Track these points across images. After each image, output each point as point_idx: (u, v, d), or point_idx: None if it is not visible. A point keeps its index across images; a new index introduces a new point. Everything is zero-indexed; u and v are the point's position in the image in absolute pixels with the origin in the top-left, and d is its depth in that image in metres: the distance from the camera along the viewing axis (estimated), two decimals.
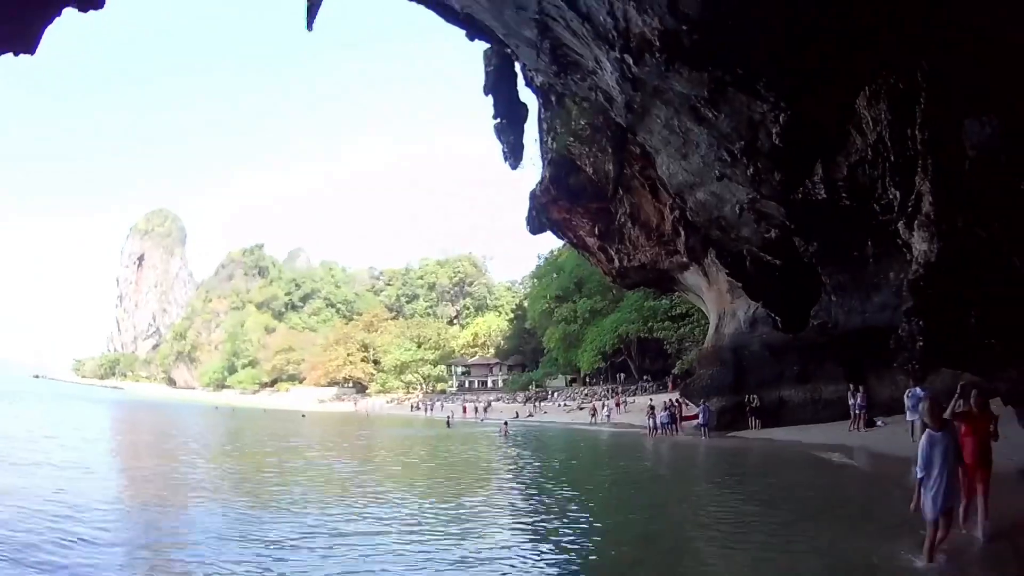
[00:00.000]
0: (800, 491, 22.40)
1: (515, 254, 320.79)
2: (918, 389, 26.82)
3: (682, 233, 44.37)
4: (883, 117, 17.30)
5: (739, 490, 23.46)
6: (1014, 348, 15.65)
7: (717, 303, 48.96)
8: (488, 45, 36.88)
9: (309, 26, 25.96)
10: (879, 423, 33.84)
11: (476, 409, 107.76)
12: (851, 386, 36.72)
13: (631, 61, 17.60)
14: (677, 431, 50.97)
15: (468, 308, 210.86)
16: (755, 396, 45.05)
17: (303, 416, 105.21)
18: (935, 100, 15.32)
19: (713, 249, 33.13)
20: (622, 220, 48.35)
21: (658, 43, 16.32)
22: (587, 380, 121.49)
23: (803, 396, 43.91)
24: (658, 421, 52.56)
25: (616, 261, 51.73)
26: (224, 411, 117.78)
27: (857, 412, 34.86)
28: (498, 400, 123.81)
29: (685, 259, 47.01)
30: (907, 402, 28.34)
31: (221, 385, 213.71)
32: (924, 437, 12.81)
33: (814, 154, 20.38)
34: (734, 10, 14.51)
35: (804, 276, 31.50)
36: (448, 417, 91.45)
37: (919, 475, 12.59)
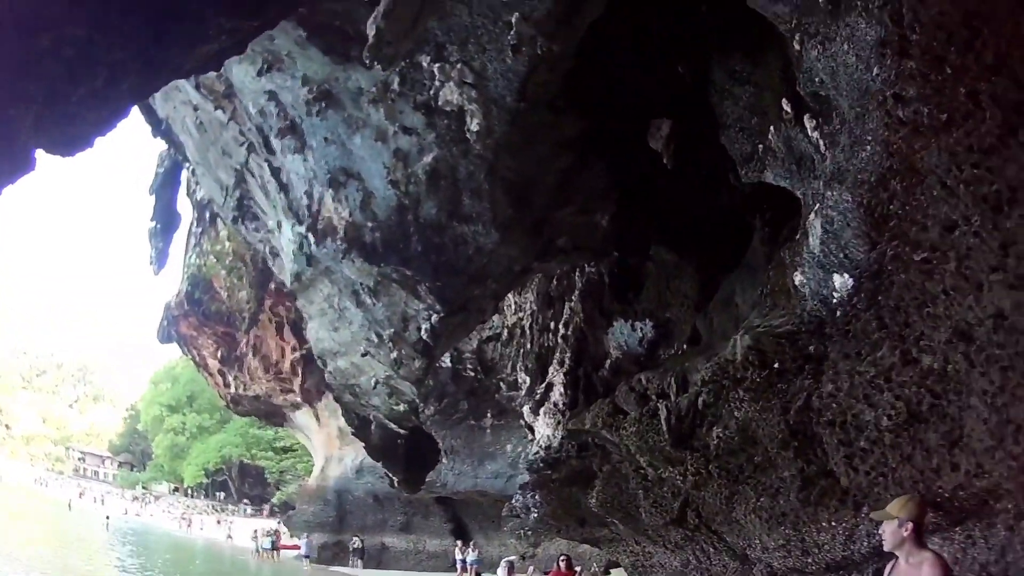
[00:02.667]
0: None
1: (138, 352, 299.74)
2: (513, 557, 28.76)
3: (300, 374, 45.02)
4: (529, 306, 17.91)
5: None
6: (632, 527, 15.94)
7: (326, 446, 48.85)
8: (167, 147, 34.77)
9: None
10: None
11: (94, 499, 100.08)
12: (460, 542, 36.85)
13: (313, 240, 17.50)
14: (277, 557, 49.74)
15: (87, 396, 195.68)
16: (358, 537, 44.36)
17: None
18: (587, 299, 15.98)
19: (340, 407, 33.06)
20: (244, 350, 47.68)
21: (342, 232, 16.40)
22: (189, 492, 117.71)
23: (406, 545, 44.10)
24: (260, 545, 50.88)
25: (233, 387, 51.04)
26: None
27: (468, 567, 34.98)
28: (109, 494, 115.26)
29: (299, 399, 47.39)
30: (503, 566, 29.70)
31: None
32: None
33: (454, 341, 20.85)
34: (416, 220, 14.90)
35: (426, 445, 31.51)
36: (70, 501, 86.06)
37: None
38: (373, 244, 16.02)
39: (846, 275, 7.93)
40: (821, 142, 8.35)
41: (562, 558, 19.16)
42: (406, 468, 32.53)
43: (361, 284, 18.58)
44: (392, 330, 19.95)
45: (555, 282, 17.31)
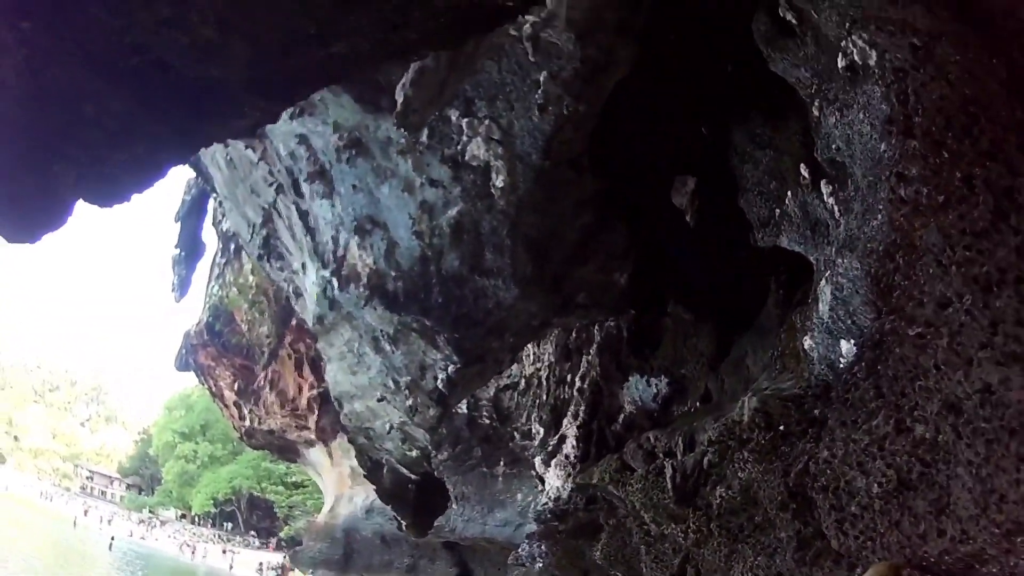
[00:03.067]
0: None
1: (153, 377, 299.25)
2: None
3: (316, 412, 45.70)
4: (547, 357, 18.12)
5: None
6: None
7: (337, 484, 49.14)
8: (195, 176, 35.41)
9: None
10: None
11: (100, 518, 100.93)
12: None
13: (336, 285, 18.04)
14: None
15: (99, 416, 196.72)
16: None
17: None
18: (605, 352, 16.09)
19: (354, 449, 33.53)
20: (262, 383, 48.18)
21: (365, 279, 16.93)
22: (196, 520, 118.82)
23: None
24: None
25: (248, 420, 51.50)
26: None
27: None
28: (116, 514, 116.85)
29: (313, 437, 47.99)
30: None
31: None
32: None
33: (469, 391, 21.22)
34: (438, 272, 15.38)
35: (436, 490, 31.61)
36: (75, 518, 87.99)
37: None
38: (395, 293, 16.53)
39: (852, 342, 8.10)
40: (836, 208, 8.55)
41: None
42: (415, 513, 32.43)
43: (381, 331, 19.07)
44: (409, 378, 20.43)
45: (574, 335, 17.47)
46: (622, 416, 15.87)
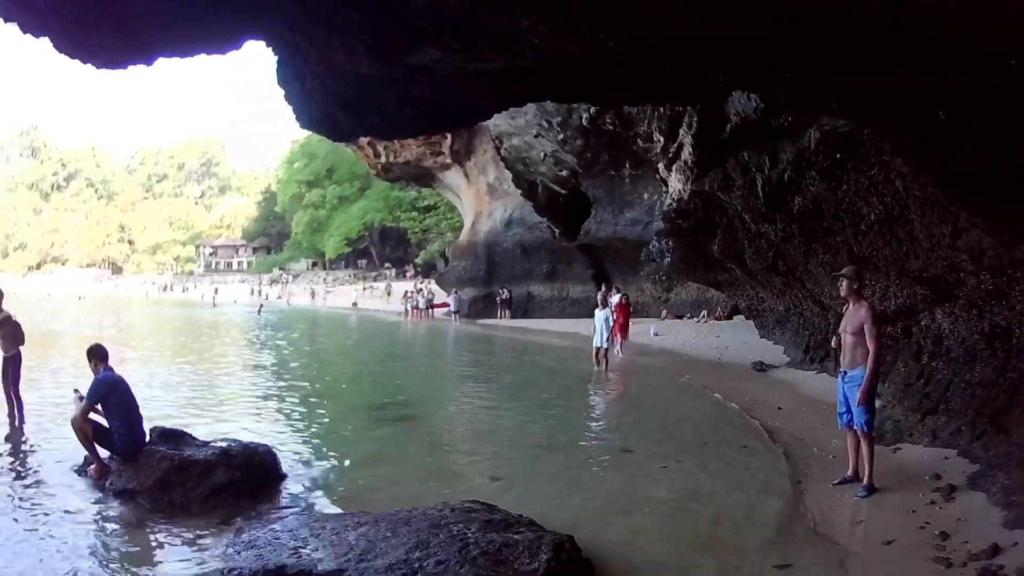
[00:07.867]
0: (537, 356, 28.30)
1: (257, 138, 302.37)
2: (619, 296, 30.46)
3: (449, 137, 48.92)
4: None
5: (487, 358, 28.34)
6: (744, 272, 19.23)
7: (475, 202, 52.41)
8: None
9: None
10: None
11: (252, 291, 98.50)
12: (604, 286, 36.58)
13: None
14: (432, 315, 53.05)
15: (212, 189, 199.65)
16: (506, 289, 47.78)
17: (80, 299, 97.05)
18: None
19: (512, 175, 38.99)
20: None
21: None
22: (328, 265, 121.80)
23: (551, 293, 47.39)
24: (420, 304, 54.38)
25: (383, 157, 55.05)
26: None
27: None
28: (243, 282, 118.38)
29: (449, 160, 51.37)
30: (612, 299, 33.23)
31: None
32: (601, 312, 22.27)
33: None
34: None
35: (581, 203, 36.72)
36: (213, 297, 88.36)
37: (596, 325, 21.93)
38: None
39: None
40: None
41: (624, 296, 25.68)
42: (566, 221, 38.76)
43: None
44: (560, 118, 27.00)
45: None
46: (728, 127, 17.01)
